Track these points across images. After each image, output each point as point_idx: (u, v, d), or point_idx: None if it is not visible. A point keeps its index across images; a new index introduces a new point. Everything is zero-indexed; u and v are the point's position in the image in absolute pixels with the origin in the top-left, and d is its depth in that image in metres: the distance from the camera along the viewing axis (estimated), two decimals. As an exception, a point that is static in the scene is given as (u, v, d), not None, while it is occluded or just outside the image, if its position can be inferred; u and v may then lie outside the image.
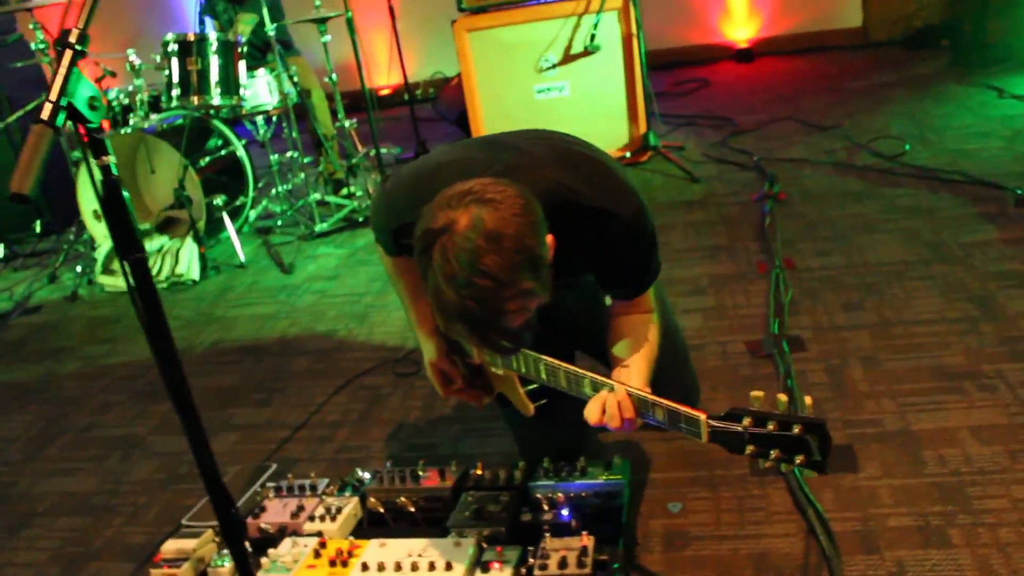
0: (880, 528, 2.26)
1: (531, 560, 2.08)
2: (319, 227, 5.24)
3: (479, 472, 2.48)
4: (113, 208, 1.47)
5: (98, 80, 5.65)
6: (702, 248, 4.24)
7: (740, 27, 8.19)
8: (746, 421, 1.70)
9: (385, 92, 8.78)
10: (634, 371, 2.05)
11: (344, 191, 5.70)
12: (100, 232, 5.23)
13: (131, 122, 5.18)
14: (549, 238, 1.80)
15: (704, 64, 8.18)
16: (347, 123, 5.62)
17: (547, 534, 2.13)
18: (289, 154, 5.46)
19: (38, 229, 6.25)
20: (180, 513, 2.73)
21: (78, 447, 3.42)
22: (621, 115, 5.52)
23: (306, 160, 5.52)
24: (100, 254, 5.13)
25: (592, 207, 1.99)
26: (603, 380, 1.96)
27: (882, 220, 4.25)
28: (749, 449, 1.71)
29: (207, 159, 5.24)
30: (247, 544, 2.33)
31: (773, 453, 1.68)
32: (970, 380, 2.84)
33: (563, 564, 2.02)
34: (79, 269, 5.22)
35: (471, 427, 3.03)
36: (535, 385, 2.29)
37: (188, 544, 2.35)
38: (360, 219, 5.35)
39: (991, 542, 2.16)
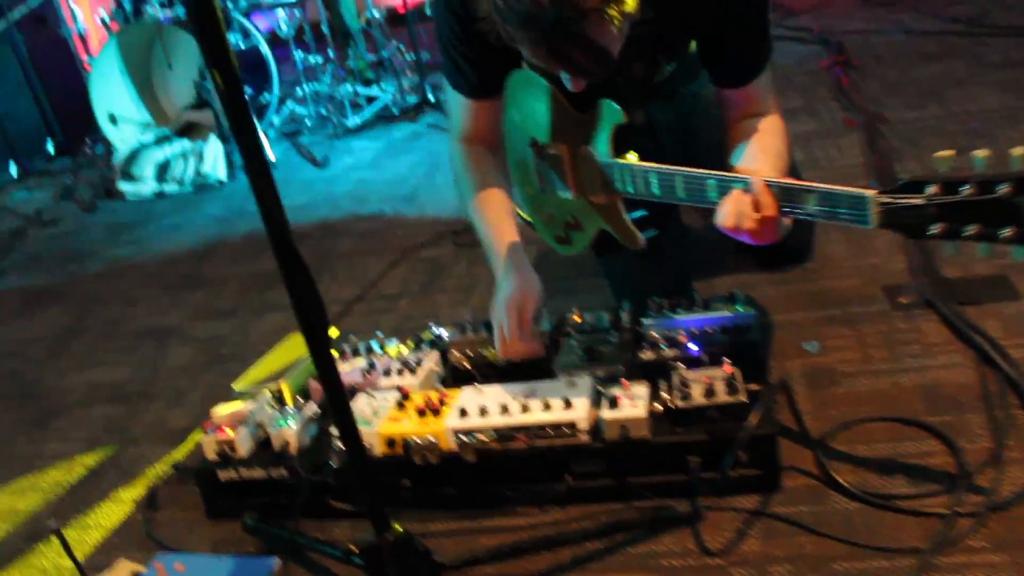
0: (1065, 353, 1.89)
1: (665, 394, 1.71)
2: (351, 122, 4.85)
3: (577, 319, 2.11)
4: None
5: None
6: (778, 110, 3.84)
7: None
8: (932, 189, 1.29)
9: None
10: (767, 171, 1.66)
11: (374, 87, 5.31)
12: (117, 136, 4.86)
13: (145, 13, 4.77)
14: None
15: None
16: (376, 12, 5.20)
17: (681, 367, 1.76)
18: (316, 58, 5.07)
19: (51, 150, 5.89)
20: (226, 394, 2.37)
21: (107, 340, 3.09)
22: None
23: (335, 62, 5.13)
24: (118, 160, 4.76)
25: None
26: (733, 176, 1.59)
27: (973, 75, 3.83)
28: (936, 228, 1.30)
29: (227, 52, 4.84)
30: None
31: (971, 229, 1.28)
32: None
33: (710, 392, 1.65)
34: (96, 179, 4.87)
35: (555, 286, 2.64)
36: (641, 212, 1.93)
37: (243, 407, 2.00)
38: (395, 112, 4.95)
39: None
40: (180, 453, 2.26)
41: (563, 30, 1.44)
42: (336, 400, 1.34)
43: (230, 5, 4.88)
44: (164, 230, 4.10)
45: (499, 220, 2.01)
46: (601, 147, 1.84)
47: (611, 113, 1.77)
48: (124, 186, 4.68)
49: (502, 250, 1.99)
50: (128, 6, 4.94)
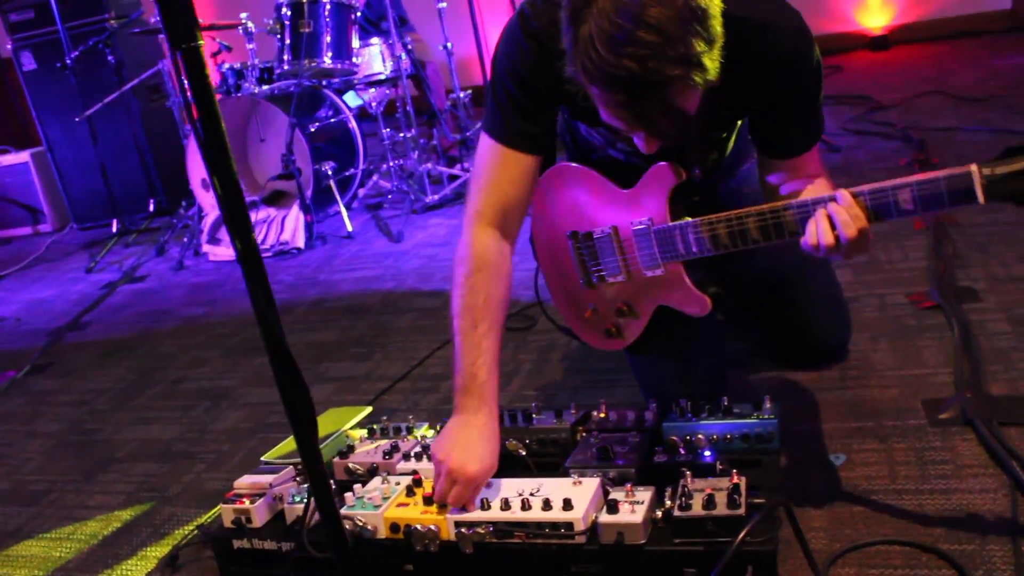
0: (1107, 488, 1.79)
1: (668, 501, 1.69)
2: (430, 198, 4.97)
3: (602, 415, 2.11)
4: None
5: (214, 55, 5.57)
6: (849, 209, 3.78)
7: (875, 15, 7.64)
8: None
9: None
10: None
11: (457, 165, 5.44)
12: (208, 201, 5.08)
13: (243, 88, 5.03)
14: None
15: (833, 54, 7.62)
16: (461, 94, 5.36)
17: (688, 474, 1.74)
18: (402, 135, 5.23)
19: (152, 208, 6.19)
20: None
21: (166, 398, 3.20)
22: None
23: (420, 139, 5.28)
24: (207, 223, 4.98)
25: (749, 19, 1.68)
26: (817, 197, 1.66)
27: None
28: None
29: (316, 126, 5.05)
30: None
31: None
32: None
33: (710, 503, 1.62)
34: (186, 240, 5.10)
35: (593, 378, 2.67)
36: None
37: (264, 480, 2.05)
38: (472, 190, 5.05)
39: None
40: (209, 516, 2.31)
41: (648, 94, 1.48)
42: (319, 489, 1.37)
43: (323, 83, 5.10)
44: (239, 294, 4.24)
45: (481, 341, 1.86)
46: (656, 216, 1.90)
47: (662, 178, 1.83)
48: (209, 247, 4.88)
49: (472, 380, 1.85)
50: (232, 80, 5.20)
